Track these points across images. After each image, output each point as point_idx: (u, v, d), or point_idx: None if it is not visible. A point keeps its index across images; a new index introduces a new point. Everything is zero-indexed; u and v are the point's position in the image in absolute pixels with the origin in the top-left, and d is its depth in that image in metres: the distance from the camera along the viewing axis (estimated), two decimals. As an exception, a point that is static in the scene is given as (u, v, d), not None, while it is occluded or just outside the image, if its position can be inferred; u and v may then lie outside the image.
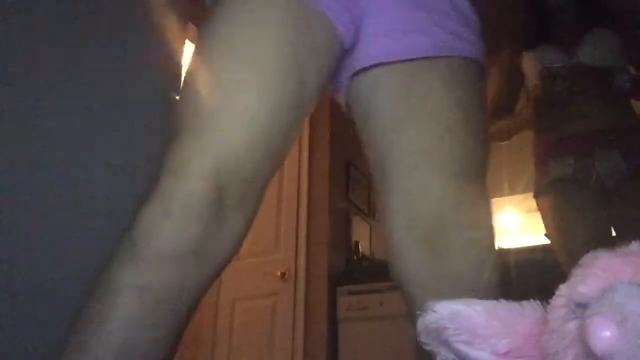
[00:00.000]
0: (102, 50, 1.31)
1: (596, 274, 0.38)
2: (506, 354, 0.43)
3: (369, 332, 2.65)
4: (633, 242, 0.40)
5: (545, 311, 0.43)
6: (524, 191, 2.44)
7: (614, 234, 1.54)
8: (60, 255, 1.13)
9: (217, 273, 0.65)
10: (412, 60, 0.74)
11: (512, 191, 2.81)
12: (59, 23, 1.21)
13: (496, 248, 0.75)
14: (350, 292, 2.79)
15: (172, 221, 0.60)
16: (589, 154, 1.55)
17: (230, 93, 0.67)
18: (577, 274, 0.39)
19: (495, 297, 0.66)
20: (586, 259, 0.40)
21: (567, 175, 1.55)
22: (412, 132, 0.73)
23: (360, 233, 3.29)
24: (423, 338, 0.46)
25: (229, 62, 0.68)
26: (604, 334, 0.33)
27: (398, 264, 0.73)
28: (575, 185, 1.54)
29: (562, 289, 0.40)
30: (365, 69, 0.77)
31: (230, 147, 0.64)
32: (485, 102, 0.80)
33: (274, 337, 2.81)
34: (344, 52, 0.77)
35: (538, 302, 0.45)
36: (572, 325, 0.37)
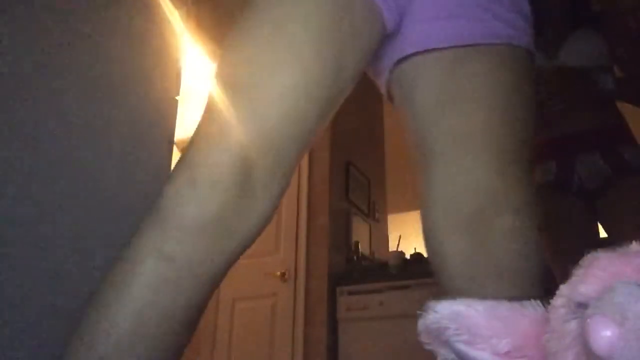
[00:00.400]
0: (102, 49, 1.31)
1: (596, 274, 0.38)
2: (507, 353, 0.43)
3: (369, 332, 2.65)
4: (633, 242, 0.40)
5: (546, 311, 0.43)
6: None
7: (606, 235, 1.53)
8: (66, 254, 1.13)
9: (241, 252, 0.64)
10: (457, 46, 0.73)
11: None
12: (59, 23, 1.21)
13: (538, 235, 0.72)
14: (350, 292, 2.79)
15: (198, 191, 0.59)
16: (570, 158, 1.53)
17: (266, 72, 0.66)
18: (577, 274, 0.40)
19: (539, 286, 0.65)
20: (586, 259, 0.40)
21: (549, 181, 1.54)
22: (456, 116, 0.72)
23: (360, 233, 3.29)
24: (424, 338, 0.46)
25: (267, 40, 0.67)
26: (604, 334, 0.33)
27: (438, 255, 0.71)
28: (557, 191, 1.53)
29: (563, 289, 0.40)
30: (408, 55, 0.76)
31: (262, 125, 0.63)
32: (533, 91, 0.77)
33: (274, 337, 2.81)
34: (386, 37, 0.75)
35: (539, 301, 0.45)
36: (572, 325, 0.37)
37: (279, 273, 2.87)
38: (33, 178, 1.10)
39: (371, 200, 3.54)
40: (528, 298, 0.47)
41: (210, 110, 0.66)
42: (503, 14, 0.75)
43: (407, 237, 3.50)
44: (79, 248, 1.17)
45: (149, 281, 0.58)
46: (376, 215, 3.60)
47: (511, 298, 0.48)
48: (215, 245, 0.61)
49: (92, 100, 1.26)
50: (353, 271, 3.02)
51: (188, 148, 0.64)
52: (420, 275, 2.62)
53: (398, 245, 3.19)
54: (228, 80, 0.67)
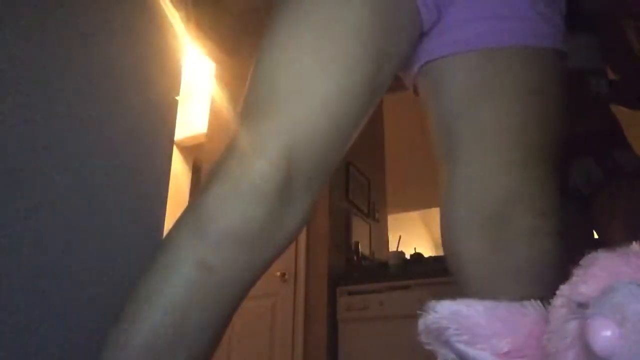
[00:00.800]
0: (102, 49, 1.31)
1: (596, 274, 0.38)
2: (507, 353, 0.43)
3: (369, 332, 2.65)
4: (634, 242, 0.40)
5: (546, 311, 0.43)
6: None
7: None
8: (70, 254, 1.13)
9: (275, 259, 0.64)
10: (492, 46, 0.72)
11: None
12: (59, 23, 1.21)
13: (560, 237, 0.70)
14: (350, 293, 2.79)
15: (242, 201, 0.58)
16: (563, 163, 1.52)
17: (308, 75, 0.64)
18: (577, 274, 0.40)
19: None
20: (587, 259, 0.40)
21: None
22: (484, 112, 0.70)
23: (360, 233, 3.29)
24: (424, 338, 0.46)
25: (308, 43, 0.65)
26: (604, 334, 0.33)
27: (456, 254, 0.70)
28: None
29: (563, 289, 0.40)
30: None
31: (305, 131, 0.62)
32: (565, 93, 0.75)
33: (274, 337, 2.81)
34: (420, 36, 0.74)
35: (539, 302, 0.45)
36: (572, 325, 0.37)
37: (279, 273, 2.87)
38: (33, 178, 1.10)
39: (371, 201, 3.54)
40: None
41: (247, 117, 0.64)
42: (541, 14, 0.73)
43: (407, 237, 3.50)
44: (79, 248, 1.17)
45: (188, 292, 0.57)
46: (376, 216, 3.60)
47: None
48: (255, 255, 0.61)
49: (92, 100, 1.26)
50: (353, 271, 3.02)
51: (225, 157, 0.61)
52: (420, 275, 2.62)
53: (398, 245, 3.19)
54: (266, 84, 0.65)
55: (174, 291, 0.57)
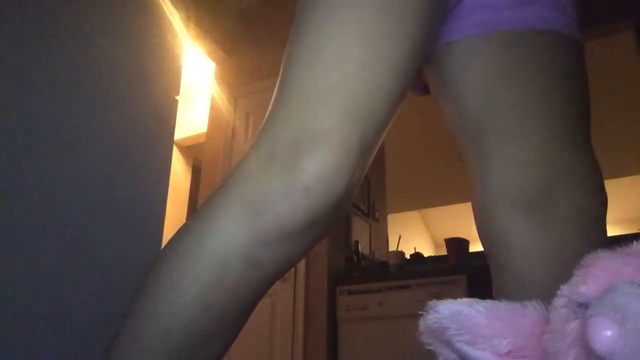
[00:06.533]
0: (102, 49, 1.31)
1: (597, 274, 0.38)
2: (508, 354, 0.43)
3: (369, 332, 2.65)
4: (634, 242, 0.40)
5: (547, 311, 0.43)
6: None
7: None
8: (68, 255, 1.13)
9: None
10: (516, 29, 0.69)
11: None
12: (59, 23, 1.21)
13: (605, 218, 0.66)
14: (350, 292, 2.80)
15: (310, 197, 0.54)
16: None
17: (372, 59, 0.58)
18: (578, 274, 0.40)
19: None
20: (587, 259, 0.40)
21: None
22: (517, 90, 0.67)
23: (360, 233, 3.29)
24: (425, 338, 0.46)
25: (365, 31, 0.59)
26: (605, 334, 0.33)
27: (497, 239, 0.66)
28: None
29: (564, 289, 0.40)
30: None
31: (374, 115, 0.58)
32: (587, 81, 0.72)
33: (274, 337, 2.81)
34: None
35: (539, 302, 0.45)
36: (573, 325, 0.37)
37: (278, 273, 2.87)
38: (33, 177, 1.10)
39: (371, 200, 3.54)
40: None
41: (310, 100, 0.57)
42: (567, 6, 0.72)
43: (407, 237, 3.50)
44: (79, 247, 1.17)
45: (233, 287, 0.55)
46: (376, 215, 3.61)
47: None
48: (305, 248, 0.58)
49: (92, 100, 1.26)
50: (353, 271, 3.02)
51: (276, 144, 0.56)
52: (420, 275, 2.63)
53: (398, 245, 3.19)
54: (323, 69, 0.58)
55: (218, 287, 0.54)
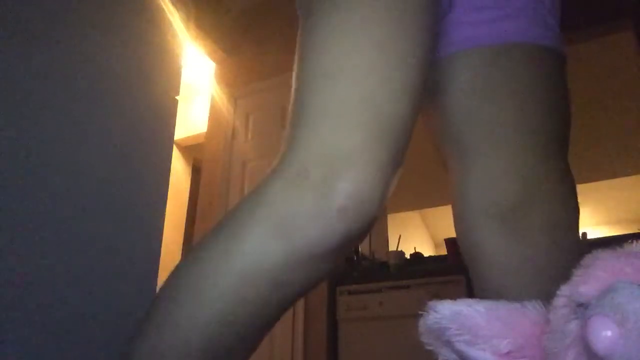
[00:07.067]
0: (102, 49, 1.31)
1: (597, 274, 0.38)
2: (507, 354, 0.43)
3: (369, 332, 2.65)
4: (634, 242, 0.40)
5: (547, 311, 0.43)
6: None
7: None
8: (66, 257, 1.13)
9: None
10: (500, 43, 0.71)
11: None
12: (59, 23, 1.21)
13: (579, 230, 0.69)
14: (350, 292, 2.80)
15: (346, 218, 0.53)
16: None
17: (394, 72, 0.58)
18: (578, 274, 0.40)
19: None
20: (587, 259, 0.40)
21: None
22: (497, 104, 0.70)
23: (360, 233, 3.28)
24: (425, 338, 0.47)
25: (384, 43, 0.59)
26: (604, 334, 0.33)
27: (472, 248, 0.69)
28: None
29: (564, 289, 0.40)
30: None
31: (400, 128, 0.57)
32: (569, 97, 0.75)
33: (274, 336, 2.81)
34: None
35: (539, 302, 0.45)
36: (573, 325, 0.37)
37: (278, 273, 2.87)
38: (33, 177, 1.10)
39: (371, 200, 3.53)
40: None
41: (339, 120, 0.56)
42: (546, 17, 0.74)
43: (407, 237, 3.50)
44: (79, 247, 1.17)
45: (259, 303, 0.54)
46: (376, 215, 3.60)
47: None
48: (334, 265, 0.57)
49: (92, 100, 1.26)
50: (353, 271, 3.02)
51: (305, 165, 0.54)
52: (420, 275, 2.62)
53: (398, 245, 3.19)
54: (345, 89, 0.57)
55: (242, 305, 0.54)
